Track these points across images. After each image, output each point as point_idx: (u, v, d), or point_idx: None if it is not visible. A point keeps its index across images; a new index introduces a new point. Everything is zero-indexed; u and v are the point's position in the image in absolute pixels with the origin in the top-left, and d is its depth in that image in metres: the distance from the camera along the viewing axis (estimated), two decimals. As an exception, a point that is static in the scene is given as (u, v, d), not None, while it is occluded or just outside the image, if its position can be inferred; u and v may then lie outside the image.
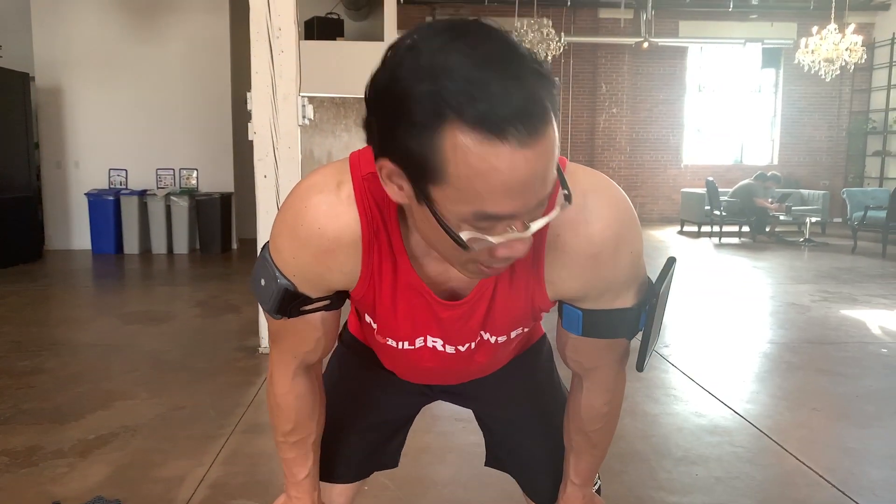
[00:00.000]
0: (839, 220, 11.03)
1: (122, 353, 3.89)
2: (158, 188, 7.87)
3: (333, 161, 0.90)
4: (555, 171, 0.68)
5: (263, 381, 3.42)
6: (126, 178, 7.97)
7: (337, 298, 0.93)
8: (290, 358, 0.99)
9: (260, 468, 2.44)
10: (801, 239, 9.60)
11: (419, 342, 0.96)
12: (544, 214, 0.71)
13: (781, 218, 9.70)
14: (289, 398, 1.02)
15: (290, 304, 0.89)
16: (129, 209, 7.57)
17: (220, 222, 7.82)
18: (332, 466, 1.17)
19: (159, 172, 8.00)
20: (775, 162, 12.43)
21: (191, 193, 7.78)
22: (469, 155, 0.62)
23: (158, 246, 7.73)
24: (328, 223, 0.82)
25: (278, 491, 2.28)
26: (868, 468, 2.52)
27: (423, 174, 0.66)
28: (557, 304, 0.93)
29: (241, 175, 8.27)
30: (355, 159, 0.86)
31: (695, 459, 2.58)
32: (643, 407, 3.10)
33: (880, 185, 11.58)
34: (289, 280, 0.87)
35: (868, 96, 12.09)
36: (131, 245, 7.65)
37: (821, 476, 2.45)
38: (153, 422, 2.86)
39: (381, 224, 0.84)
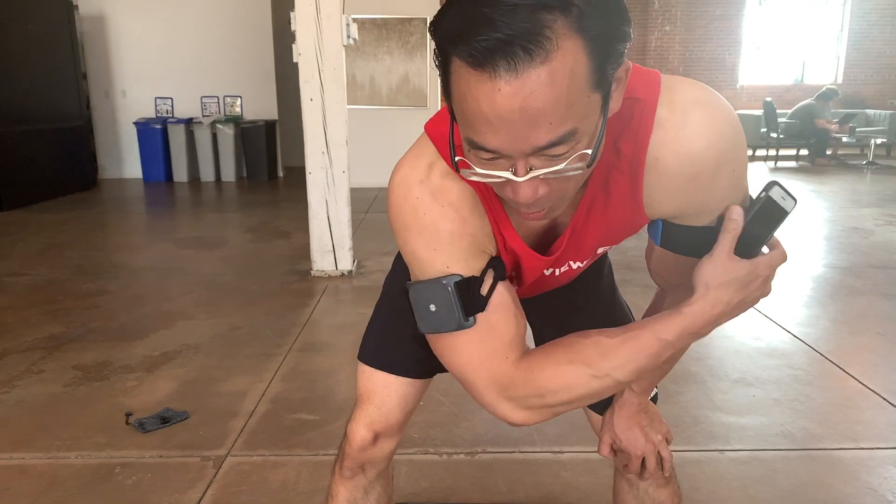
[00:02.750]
0: (906, 141, 10.44)
1: (179, 277, 4.00)
2: (204, 116, 7.91)
3: (412, 147, 0.86)
4: (568, 120, 0.62)
5: (317, 302, 3.48)
6: (172, 107, 8.02)
7: (498, 266, 0.85)
8: (512, 363, 0.84)
9: (318, 384, 2.51)
10: (865, 162, 9.16)
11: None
12: (554, 165, 0.65)
13: (844, 140, 9.23)
14: (559, 369, 0.84)
15: (470, 296, 0.82)
16: (177, 138, 7.66)
17: (266, 150, 7.86)
18: (399, 361, 1.16)
19: (204, 100, 8.01)
20: (840, 80, 11.73)
21: (236, 121, 7.80)
22: (460, 79, 0.63)
23: (206, 174, 7.84)
24: (446, 198, 0.81)
25: (335, 406, 2.34)
26: (935, 392, 2.44)
27: (446, 88, 0.68)
28: None
29: (284, 102, 8.24)
30: (436, 133, 0.82)
31: (752, 381, 2.54)
32: (698, 330, 3.05)
33: (954, 104, 10.88)
34: (450, 273, 0.82)
35: (946, 7, 11.18)
36: (180, 173, 7.78)
37: (885, 399, 2.39)
38: (213, 341, 2.96)
39: (485, 188, 0.81)
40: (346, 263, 3.93)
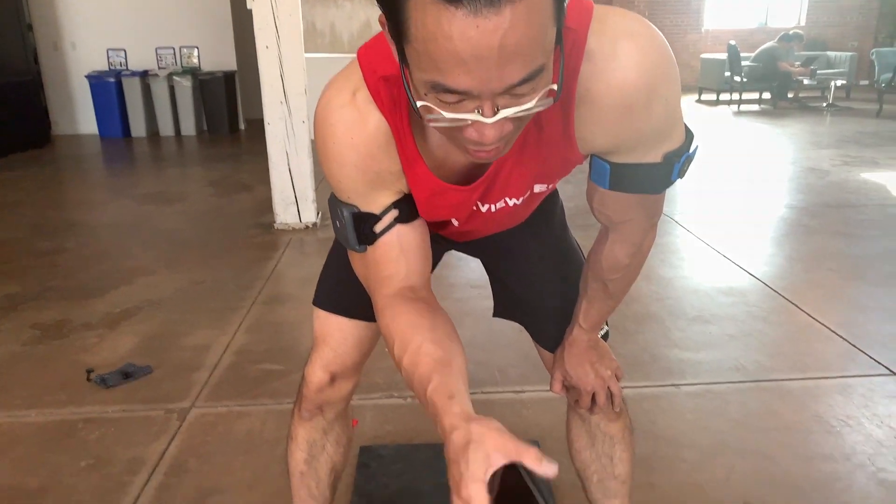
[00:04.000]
0: (865, 82, 10.58)
1: (140, 233, 3.93)
2: (160, 68, 7.64)
3: (343, 69, 0.85)
4: (538, 56, 0.61)
5: (281, 255, 3.46)
6: (126, 59, 7.72)
7: (405, 207, 0.88)
8: (383, 295, 0.88)
9: (283, 336, 2.52)
10: (825, 104, 9.27)
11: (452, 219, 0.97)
12: (522, 103, 0.64)
13: (805, 82, 9.31)
14: (393, 327, 0.85)
15: (364, 228, 0.87)
16: (132, 91, 7.40)
17: (226, 102, 7.65)
18: (353, 304, 1.16)
19: (159, 52, 7.73)
20: (803, 23, 11.77)
21: (193, 73, 7.55)
22: (426, 16, 0.58)
23: (165, 128, 7.62)
24: (357, 131, 0.82)
25: (300, 356, 2.34)
26: (881, 324, 2.55)
27: (397, 29, 0.63)
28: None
29: (243, 53, 7.98)
30: (365, 60, 0.81)
31: (709, 319, 2.61)
32: (658, 271, 3.11)
33: (912, 45, 11.01)
34: (350, 203, 0.87)
35: (908, -54, 11.20)
36: (138, 128, 7.55)
37: (833, 331, 2.48)
38: (175, 295, 2.93)
39: (400, 125, 0.82)
40: (309, 215, 3.89)
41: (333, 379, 1.17)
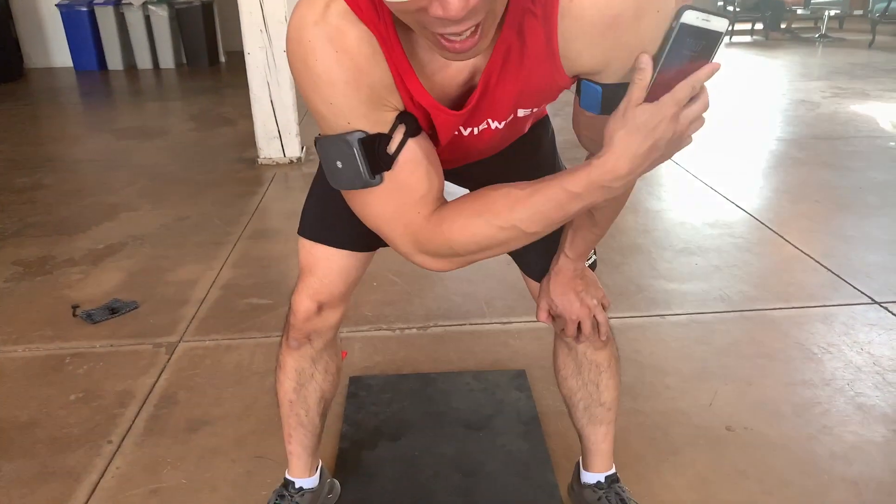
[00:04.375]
0: (860, 13, 10.38)
1: (120, 168, 3.85)
2: (133, -3, 7.32)
3: None
4: None
5: (266, 190, 3.41)
6: (97, -13, 7.39)
7: (409, 119, 0.82)
8: (424, 217, 0.83)
9: (269, 269, 2.50)
10: (817, 35, 9.12)
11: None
12: None
13: (798, 12, 9.13)
14: (469, 215, 0.83)
15: (377, 153, 0.79)
16: (106, 21, 7.12)
17: (205, 33, 7.39)
18: (338, 234, 1.14)
19: (132, -22, 7.39)
20: (798, -51, 11.41)
21: (169, 2, 7.25)
22: None
23: (143, 61, 7.38)
24: (339, 44, 0.74)
25: (288, 290, 2.34)
26: (864, 253, 2.57)
27: None
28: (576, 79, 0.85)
29: (220, -21, 7.67)
30: None
31: (694, 250, 2.62)
32: (645, 204, 3.10)
33: (909, -27, 10.76)
34: (354, 129, 0.78)
35: None
36: (114, 61, 7.30)
37: (818, 262, 2.50)
38: (159, 231, 2.89)
39: (386, 34, 0.75)
40: (293, 150, 3.82)
41: (320, 308, 1.16)
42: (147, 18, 7.20)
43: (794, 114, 4.94)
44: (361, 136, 0.78)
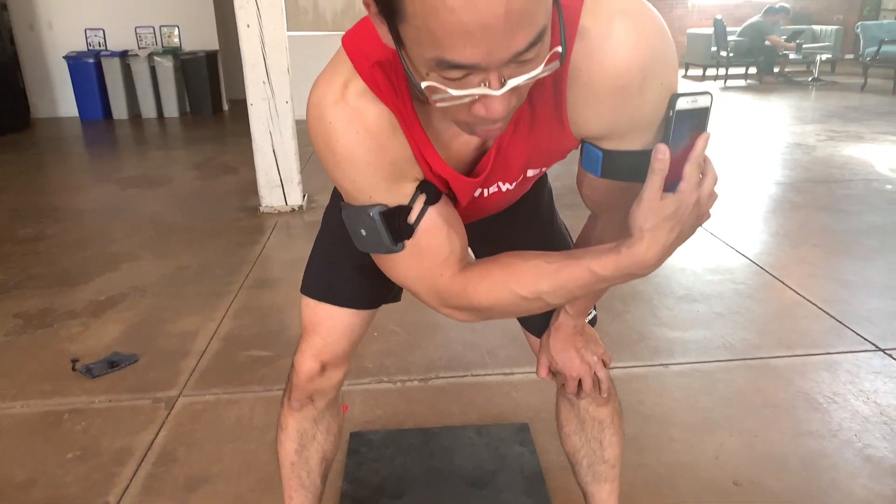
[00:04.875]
0: (851, 56, 10.58)
1: (123, 217, 3.88)
2: (140, 48, 7.50)
3: (328, 64, 0.81)
4: (541, 18, 0.59)
5: (267, 238, 3.42)
6: (104, 39, 7.57)
7: (430, 188, 0.84)
8: (448, 278, 0.86)
9: (270, 320, 2.50)
10: (810, 78, 9.27)
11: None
12: (529, 71, 0.62)
13: (791, 56, 9.30)
14: (494, 282, 0.86)
15: (398, 224, 0.82)
16: (112, 72, 7.27)
17: (209, 83, 7.53)
18: (342, 292, 1.14)
19: (139, 31, 7.58)
20: (789, -4, 11.70)
21: (174, 53, 7.42)
22: None
23: (147, 110, 7.50)
24: (359, 124, 0.77)
25: (289, 342, 2.34)
26: (865, 298, 2.57)
27: (388, 8, 0.59)
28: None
29: (224, 31, 7.85)
30: (353, 47, 0.77)
31: (696, 297, 2.62)
32: (646, 250, 3.11)
33: (897, 18, 11.00)
34: (376, 203, 0.81)
35: (894, -83, 11.14)
36: (119, 110, 7.43)
37: (819, 307, 2.50)
38: (161, 281, 2.90)
39: (404, 110, 0.78)
40: (295, 198, 3.86)
41: (324, 368, 1.16)
42: (152, 69, 7.35)
43: (791, 157, 4.99)
44: (382, 209, 0.81)
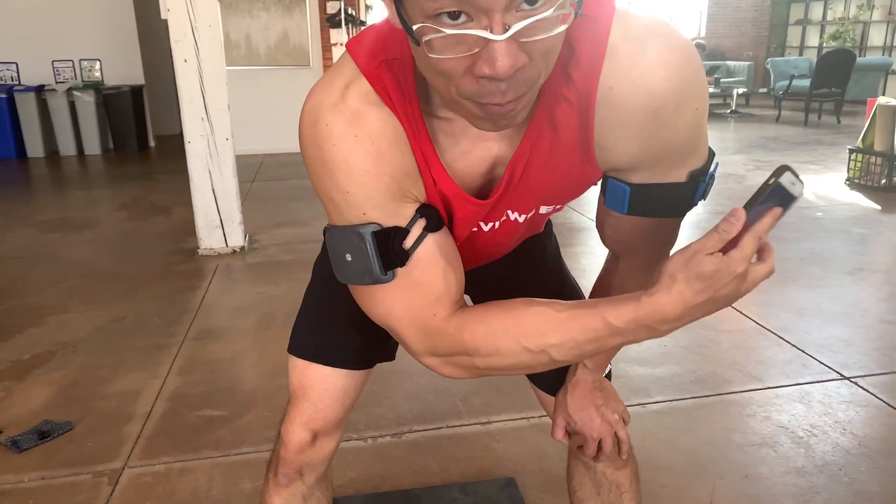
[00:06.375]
0: (763, 90, 11.22)
1: (46, 265, 3.57)
2: (58, 83, 7.10)
3: (328, 70, 0.74)
4: None
5: (209, 283, 3.21)
6: (18, 73, 7.13)
7: (431, 213, 0.75)
8: (441, 319, 0.75)
9: (221, 375, 2.30)
10: (728, 111, 9.75)
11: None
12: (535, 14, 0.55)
13: (710, 90, 9.76)
14: (494, 330, 0.74)
15: (392, 248, 0.72)
16: (27, 107, 6.83)
17: (134, 118, 7.20)
18: (335, 351, 1.03)
19: (56, 65, 7.19)
20: (703, 34, 12.38)
21: (96, 87, 7.06)
22: None
23: (66, 147, 7.08)
24: (359, 128, 0.69)
25: (243, 398, 2.16)
26: (822, 326, 2.61)
27: None
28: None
29: (151, 65, 7.57)
30: (358, 49, 0.71)
31: (661, 331, 2.60)
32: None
33: (800, 55, 11.80)
34: (369, 221, 0.71)
35: (793, -38, 12.03)
36: (35, 147, 6.98)
37: (780, 336, 2.52)
38: (93, 335, 2.65)
39: (411, 115, 0.70)
40: (236, 239, 3.66)
41: (315, 437, 1.03)
42: (72, 104, 6.97)
43: (725, 187, 5.16)
44: (376, 228, 0.71)
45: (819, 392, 2.13)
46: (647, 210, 0.79)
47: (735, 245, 0.64)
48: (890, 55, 10.27)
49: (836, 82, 8.42)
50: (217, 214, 3.58)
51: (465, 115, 0.65)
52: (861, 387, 2.16)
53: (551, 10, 0.55)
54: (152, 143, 7.71)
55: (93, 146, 7.14)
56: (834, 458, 1.79)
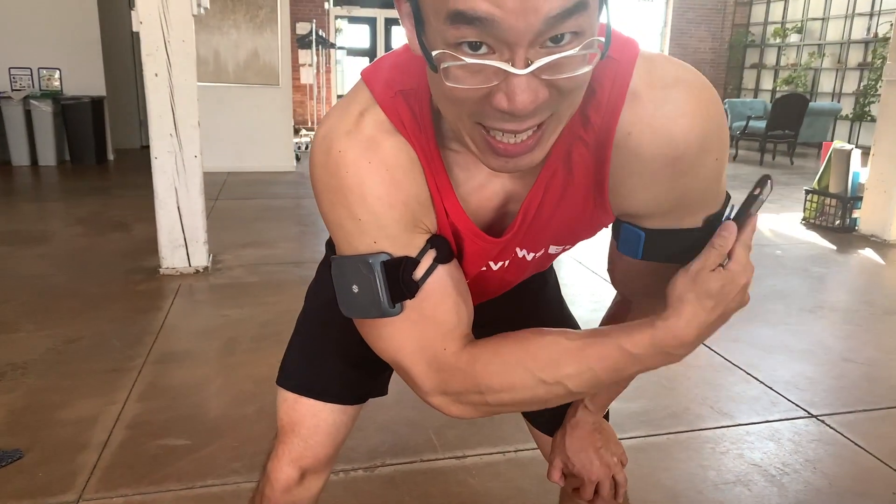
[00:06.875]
0: (720, 129, 11.58)
1: (-5, 280, 3.41)
2: (14, 90, 6.87)
3: (343, 97, 0.72)
4: None
5: (170, 304, 3.10)
6: (-29, 79, 6.88)
7: (441, 244, 0.73)
8: (451, 353, 0.73)
9: (183, 401, 2.21)
10: (689, 148, 10.03)
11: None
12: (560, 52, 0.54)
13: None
14: (509, 364, 0.72)
15: (401, 279, 0.69)
16: (-21, 115, 6.59)
17: (93, 130, 7.00)
18: (327, 385, 0.99)
19: (13, 72, 6.96)
20: (664, 72, 12.76)
21: (54, 97, 6.86)
22: None
23: (19, 157, 6.83)
24: (374, 155, 0.67)
25: (209, 425, 2.07)
26: (787, 363, 2.66)
27: None
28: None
29: (113, 77, 7.41)
30: (373, 77, 0.69)
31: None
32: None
33: (755, 97, 12.26)
34: (379, 251, 0.69)
35: (749, 10, 12.54)
36: (-15, 156, 6.72)
37: (747, 373, 2.55)
38: (46, 357, 2.52)
39: (427, 146, 0.69)
40: (200, 259, 3.55)
41: (303, 475, 0.98)
42: (27, 113, 6.74)
43: (688, 222, 5.27)
44: (385, 258, 0.69)
45: (788, 430, 2.16)
46: (663, 255, 0.78)
47: (728, 257, 0.68)
48: (839, 101, 10.74)
49: (789, 125, 8.75)
50: (181, 233, 3.48)
51: (474, 148, 0.63)
52: (828, 425, 2.19)
53: (576, 49, 0.54)
54: (111, 157, 7.50)
55: (48, 157, 6.90)
56: (807, 497, 1.80)
